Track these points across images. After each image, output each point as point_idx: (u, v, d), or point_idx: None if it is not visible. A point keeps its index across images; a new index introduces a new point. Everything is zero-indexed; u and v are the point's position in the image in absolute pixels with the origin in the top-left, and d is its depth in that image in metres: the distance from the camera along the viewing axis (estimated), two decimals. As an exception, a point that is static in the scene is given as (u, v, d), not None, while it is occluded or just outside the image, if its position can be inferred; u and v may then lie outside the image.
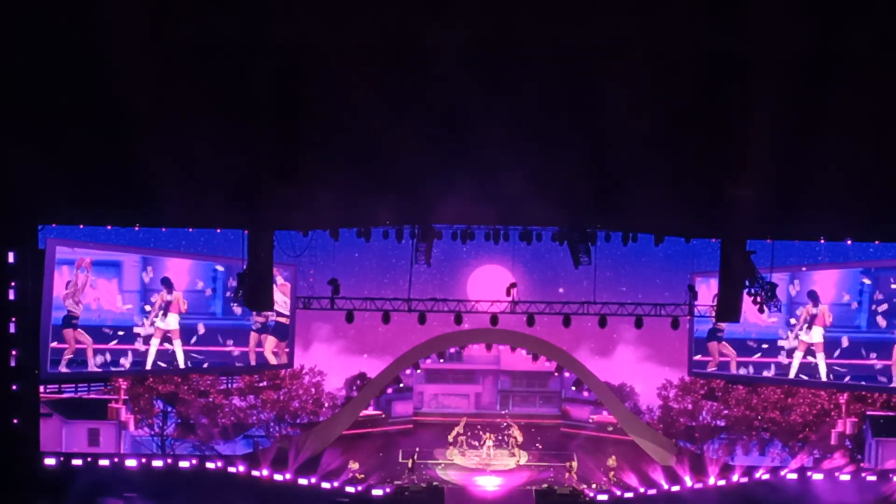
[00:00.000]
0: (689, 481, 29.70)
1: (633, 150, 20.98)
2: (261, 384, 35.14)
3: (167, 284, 30.56)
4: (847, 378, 30.42)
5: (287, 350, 33.25)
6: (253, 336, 32.21)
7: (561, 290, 34.03)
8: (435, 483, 30.48)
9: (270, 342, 32.68)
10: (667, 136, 20.86)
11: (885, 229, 27.52)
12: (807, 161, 21.86)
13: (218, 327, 31.62)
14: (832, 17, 17.08)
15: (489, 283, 34.78)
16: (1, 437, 27.19)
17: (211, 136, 21.18)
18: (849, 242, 29.29)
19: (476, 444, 33.88)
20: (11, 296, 26.96)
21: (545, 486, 30.06)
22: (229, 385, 34.90)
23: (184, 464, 29.20)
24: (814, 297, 30.64)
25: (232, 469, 29.14)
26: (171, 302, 30.63)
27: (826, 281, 30.60)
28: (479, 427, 34.63)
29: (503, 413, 36.96)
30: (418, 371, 35.78)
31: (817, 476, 29.22)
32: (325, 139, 21.82)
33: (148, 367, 30.67)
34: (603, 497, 28.97)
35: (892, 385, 29.88)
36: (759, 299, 26.43)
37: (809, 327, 30.61)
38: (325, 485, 29.11)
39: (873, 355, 29.82)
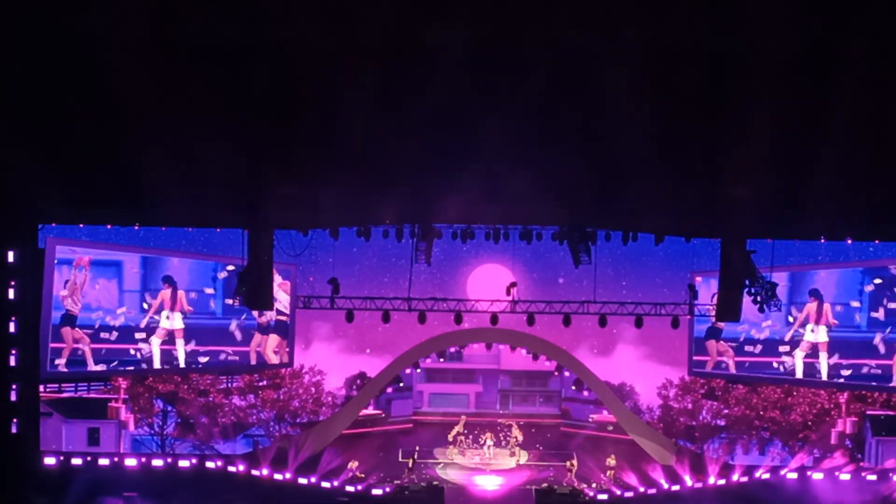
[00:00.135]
0: (689, 481, 29.70)
1: (634, 149, 20.96)
2: (261, 383, 35.13)
3: (170, 282, 30.56)
4: (847, 378, 30.48)
5: (287, 349, 33.26)
6: (256, 336, 32.24)
7: (561, 281, 34.00)
8: (435, 482, 30.48)
9: (272, 341, 32.70)
10: (667, 136, 20.85)
11: (885, 229, 27.53)
12: (807, 160, 21.86)
13: (218, 327, 31.63)
14: (832, 17, 17.06)
15: (489, 282, 34.76)
16: (0, 437, 27.21)
17: (211, 136, 21.16)
18: (849, 242, 29.33)
19: (476, 443, 33.87)
20: (11, 295, 27.00)
21: (545, 485, 30.06)
22: (229, 384, 34.89)
23: (184, 463, 29.21)
24: (816, 295, 30.62)
25: (232, 468, 29.16)
26: (174, 301, 30.63)
27: (826, 280, 30.59)
28: (478, 426, 34.61)
29: (503, 413, 36.96)
30: (418, 370, 35.79)
31: (817, 475, 29.24)
32: (326, 138, 21.81)
33: (156, 366, 30.72)
34: (603, 496, 28.98)
35: (891, 384, 29.94)
36: (759, 299, 26.41)
37: (816, 324, 30.59)
38: (325, 484, 29.13)
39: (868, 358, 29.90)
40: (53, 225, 28.46)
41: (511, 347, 34.26)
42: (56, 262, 28.51)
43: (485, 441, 33.65)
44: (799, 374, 31.02)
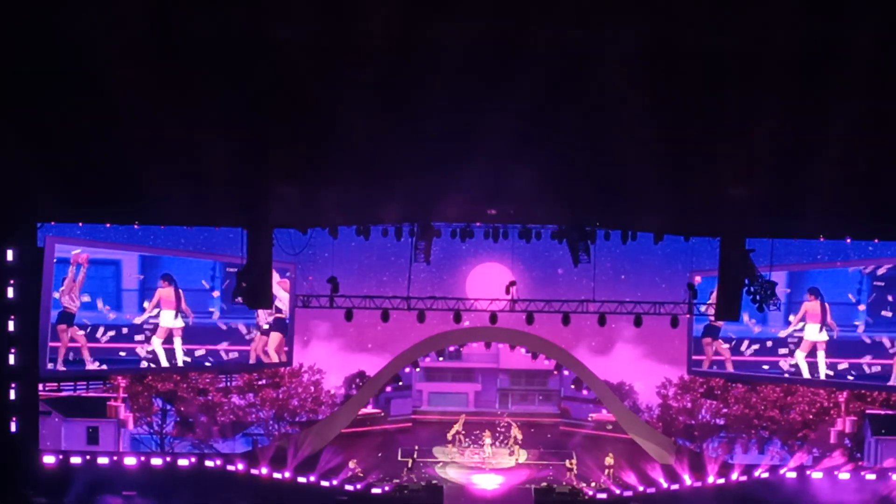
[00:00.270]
0: (688, 480, 29.71)
1: (633, 148, 20.96)
2: (260, 382, 35.12)
3: (169, 280, 30.55)
4: (849, 377, 30.50)
5: (286, 348, 33.26)
6: (259, 337, 32.27)
7: (560, 271, 33.92)
8: (434, 481, 30.48)
9: (274, 340, 32.73)
10: (667, 135, 20.84)
11: (885, 229, 27.55)
12: (806, 160, 21.86)
13: (217, 326, 31.62)
14: (832, 16, 17.05)
15: (488, 281, 34.73)
16: (0, 436, 27.21)
17: (211, 135, 21.15)
18: (848, 241, 29.34)
19: (475, 442, 33.86)
20: (10, 294, 27.00)
21: (544, 484, 30.07)
22: (228, 383, 34.87)
23: (183, 462, 29.21)
24: (816, 294, 30.63)
25: (231, 467, 29.17)
26: (173, 299, 30.63)
27: (826, 279, 30.60)
28: (478, 425, 34.59)
29: (502, 411, 36.95)
30: (417, 369, 35.78)
31: (816, 475, 29.27)
32: (326, 137, 21.79)
33: (164, 364, 30.78)
34: (602, 495, 28.99)
35: (890, 383, 29.96)
36: (758, 298, 26.42)
37: (815, 323, 30.60)
38: (324, 483, 29.13)
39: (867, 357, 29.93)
40: (52, 224, 28.45)
41: (510, 346, 34.27)
42: (55, 260, 28.50)
43: (484, 440, 33.64)
44: (805, 374, 31.01)
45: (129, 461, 28.88)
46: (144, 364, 30.66)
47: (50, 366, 28.78)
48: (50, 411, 30.30)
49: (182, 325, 30.82)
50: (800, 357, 30.95)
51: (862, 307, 30.13)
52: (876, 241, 29.32)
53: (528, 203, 26.88)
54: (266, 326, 32.36)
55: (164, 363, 30.87)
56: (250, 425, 34.99)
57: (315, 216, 27.39)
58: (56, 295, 28.73)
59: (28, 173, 22.85)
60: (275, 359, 32.91)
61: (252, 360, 32.52)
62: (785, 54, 17.89)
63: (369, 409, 35.48)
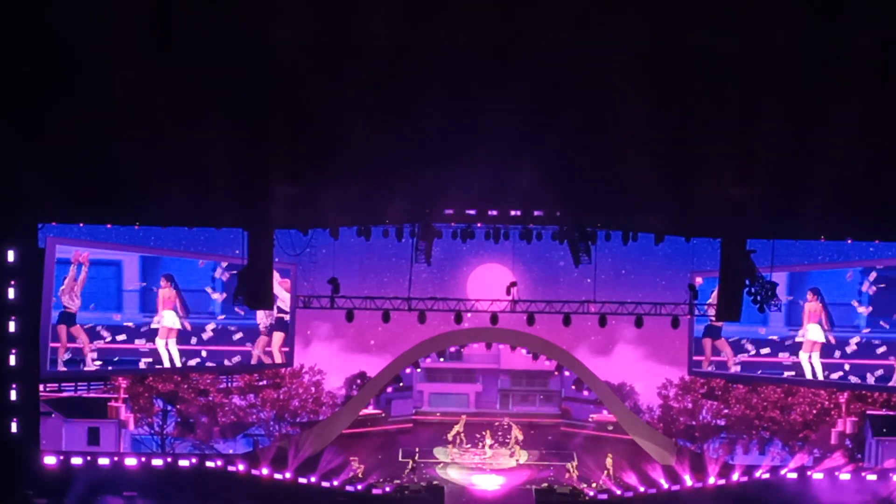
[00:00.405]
0: (689, 480, 29.68)
1: (634, 148, 20.98)
2: (261, 383, 35.10)
3: (170, 281, 30.56)
4: (849, 377, 30.49)
5: (287, 349, 33.26)
6: (262, 338, 32.28)
7: (561, 263, 33.77)
8: (435, 482, 30.46)
9: (277, 339, 32.76)
10: (667, 135, 20.86)
11: (885, 229, 27.53)
12: (807, 160, 21.87)
13: (218, 326, 31.63)
14: (833, 17, 17.07)
15: (489, 282, 34.72)
16: (1, 436, 27.22)
17: (211, 135, 21.18)
18: (849, 241, 29.33)
19: (476, 443, 33.84)
20: (11, 294, 27.01)
21: (545, 485, 30.04)
22: (229, 384, 34.86)
23: (184, 463, 29.21)
24: (817, 294, 30.61)
25: (232, 468, 29.15)
26: (173, 299, 30.64)
27: (826, 280, 30.58)
28: (478, 426, 34.57)
29: (503, 412, 36.92)
30: (418, 370, 35.76)
31: (817, 475, 29.23)
32: (326, 138, 21.82)
33: (166, 364, 30.80)
34: (603, 496, 28.97)
35: (891, 384, 29.95)
36: (758, 298, 26.40)
37: (816, 323, 30.59)
38: (325, 484, 29.11)
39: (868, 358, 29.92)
40: (53, 224, 28.46)
41: (511, 347, 34.23)
42: (56, 261, 28.51)
43: (485, 441, 33.62)
44: (808, 375, 31.00)
45: (130, 462, 28.88)
46: (145, 364, 30.64)
47: (51, 366, 28.78)
48: (51, 412, 30.28)
49: (180, 325, 30.80)
50: (803, 358, 30.94)
51: (862, 308, 30.11)
52: (877, 241, 29.28)
53: (529, 203, 26.89)
54: (267, 327, 32.36)
55: (167, 363, 30.88)
56: (251, 426, 34.97)
57: (315, 217, 27.38)
58: (57, 297, 28.72)
59: (28, 173, 22.89)
60: (276, 359, 32.92)
61: (253, 361, 32.52)
62: (785, 54, 17.94)
63: (370, 410, 35.46)
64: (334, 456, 31.12)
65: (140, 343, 30.39)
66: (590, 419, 36.08)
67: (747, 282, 26.08)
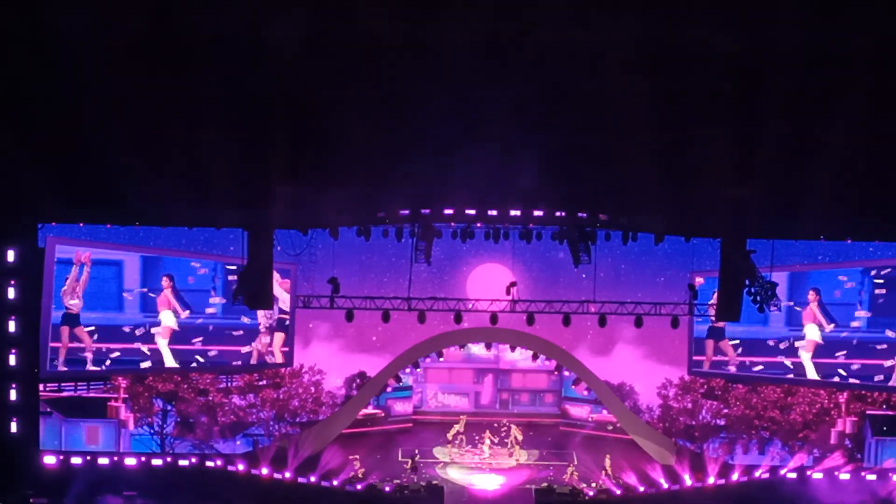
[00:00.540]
0: (688, 480, 29.70)
1: (634, 148, 20.99)
2: (260, 383, 35.06)
3: (171, 280, 30.55)
4: (849, 377, 30.49)
5: (287, 349, 33.27)
6: (263, 338, 32.28)
7: (561, 256, 33.61)
8: (434, 482, 30.48)
9: (276, 340, 32.76)
10: (667, 136, 20.87)
11: (885, 229, 27.54)
12: (807, 160, 21.88)
13: (218, 326, 31.63)
14: (833, 17, 17.08)
15: (489, 281, 34.70)
16: (0, 436, 27.23)
17: (211, 135, 21.19)
18: (849, 242, 29.33)
19: (476, 443, 33.84)
20: (11, 295, 27.02)
21: (545, 485, 30.06)
22: (229, 384, 34.84)
23: (183, 462, 29.23)
24: (817, 294, 30.61)
25: (232, 467, 29.17)
26: (173, 299, 30.63)
27: (827, 280, 30.59)
28: (478, 426, 34.56)
29: (503, 412, 36.91)
30: (418, 370, 35.76)
31: (817, 475, 29.26)
32: (326, 138, 21.83)
33: (168, 364, 30.81)
34: (603, 496, 28.97)
35: (891, 384, 29.95)
36: (758, 298, 26.40)
37: (816, 323, 30.59)
38: (325, 483, 29.12)
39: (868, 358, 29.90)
40: (54, 224, 28.46)
41: (511, 347, 34.24)
42: (56, 261, 28.51)
43: (484, 440, 33.62)
44: (809, 375, 31.00)
45: (130, 461, 28.90)
46: (145, 364, 30.64)
47: (51, 366, 28.78)
48: (50, 411, 30.28)
49: (179, 326, 30.81)
50: (804, 357, 30.94)
51: (862, 309, 30.12)
52: (877, 241, 29.28)
53: (529, 203, 26.89)
54: (267, 327, 32.36)
55: (169, 363, 30.88)
56: (251, 426, 34.93)
57: (315, 217, 27.39)
58: (59, 297, 28.72)
59: (28, 173, 22.89)
60: (277, 359, 32.94)
61: (254, 361, 32.53)
62: (785, 54, 17.93)
63: (370, 410, 35.46)
64: (334, 456, 31.13)
65: (140, 343, 30.38)
66: (589, 419, 36.07)
67: (747, 282, 26.08)
